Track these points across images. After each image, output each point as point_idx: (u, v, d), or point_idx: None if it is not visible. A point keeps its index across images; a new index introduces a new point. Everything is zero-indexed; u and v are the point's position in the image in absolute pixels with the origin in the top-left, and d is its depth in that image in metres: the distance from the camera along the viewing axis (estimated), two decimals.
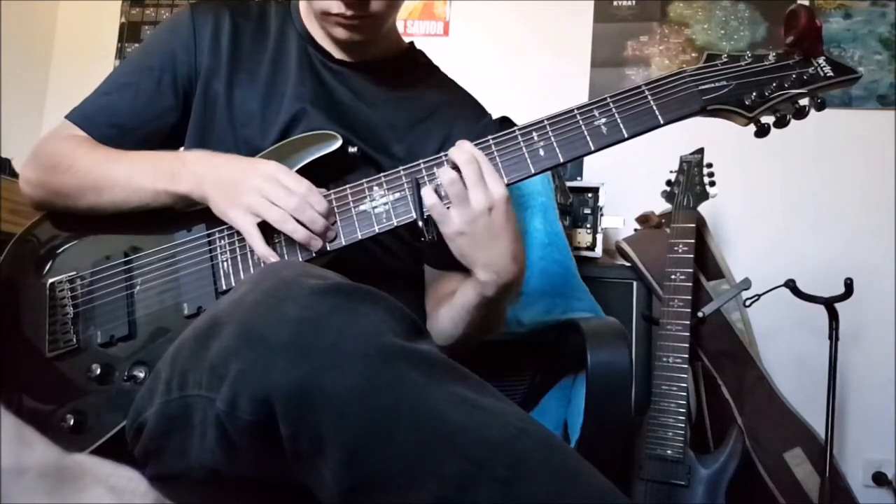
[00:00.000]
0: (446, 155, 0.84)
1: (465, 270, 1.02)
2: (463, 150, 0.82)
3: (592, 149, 0.84)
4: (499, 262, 0.84)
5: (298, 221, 0.81)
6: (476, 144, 0.84)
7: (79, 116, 0.98)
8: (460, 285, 0.93)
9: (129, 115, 0.97)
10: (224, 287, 0.85)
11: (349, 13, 0.90)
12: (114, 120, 0.97)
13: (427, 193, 0.83)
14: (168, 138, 0.99)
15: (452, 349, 0.97)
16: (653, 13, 2.32)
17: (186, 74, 0.98)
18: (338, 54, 1.02)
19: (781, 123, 0.87)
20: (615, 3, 2.35)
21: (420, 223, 0.83)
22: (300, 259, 0.84)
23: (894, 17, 2.16)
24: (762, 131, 0.88)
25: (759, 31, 2.23)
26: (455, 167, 0.81)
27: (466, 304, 0.91)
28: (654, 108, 0.84)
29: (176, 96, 0.98)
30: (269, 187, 0.81)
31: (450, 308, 0.95)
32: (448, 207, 0.82)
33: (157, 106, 0.98)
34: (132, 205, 0.89)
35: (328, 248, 0.84)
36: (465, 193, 0.81)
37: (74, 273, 0.90)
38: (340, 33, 0.94)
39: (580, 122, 0.84)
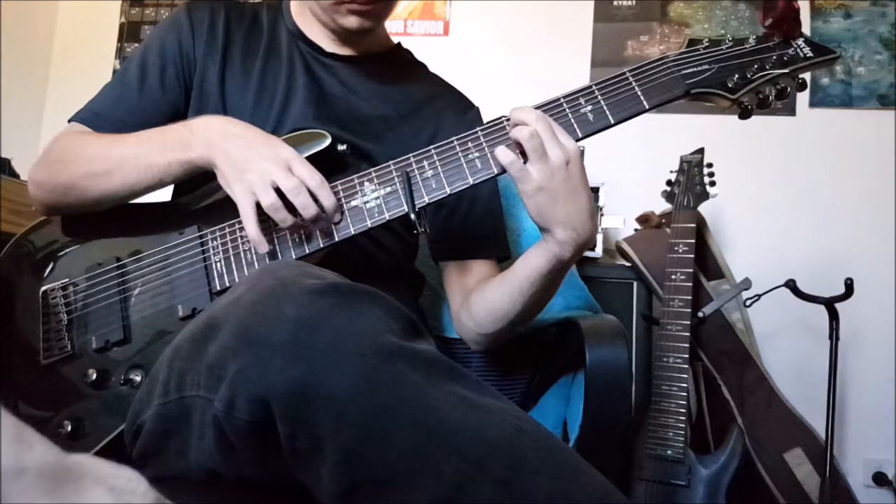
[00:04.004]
0: (507, 118, 0.84)
1: (483, 255, 1.03)
2: (529, 110, 0.82)
3: (580, 136, 0.84)
4: (577, 218, 0.82)
5: (298, 215, 0.80)
6: (462, 137, 0.85)
7: (85, 115, 0.98)
8: (521, 259, 0.91)
9: (135, 111, 0.97)
10: (218, 287, 0.85)
11: None
12: (120, 116, 0.97)
13: (502, 152, 0.81)
14: None
15: (505, 331, 0.96)
16: (653, 13, 2.32)
17: (187, 69, 0.99)
18: (329, 48, 1.03)
19: (764, 105, 0.89)
20: (615, 2, 2.35)
21: (412, 216, 0.82)
22: (292, 253, 0.84)
23: (894, 17, 2.16)
24: (745, 113, 0.89)
25: (759, 31, 2.23)
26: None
27: (531, 273, 0.88)
28: (639, 93, 0.85)
29: (180, 90, 0.99)
30: (276, 171, 0.79)
31: (503, 285, 0.93)
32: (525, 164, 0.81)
33: (163, 101, 0.98)
34: (145, 183, 0.87)
35: (321, 245, 0.84)
36: (543, 148, 0.80)
37: (67, 280, 0.89)
38: (352, 21, 0.95)
39: (567, 110, 0.85)
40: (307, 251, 0.84)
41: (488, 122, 0.86)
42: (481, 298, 0.96)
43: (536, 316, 0.98)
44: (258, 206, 0.80)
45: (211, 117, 0.88)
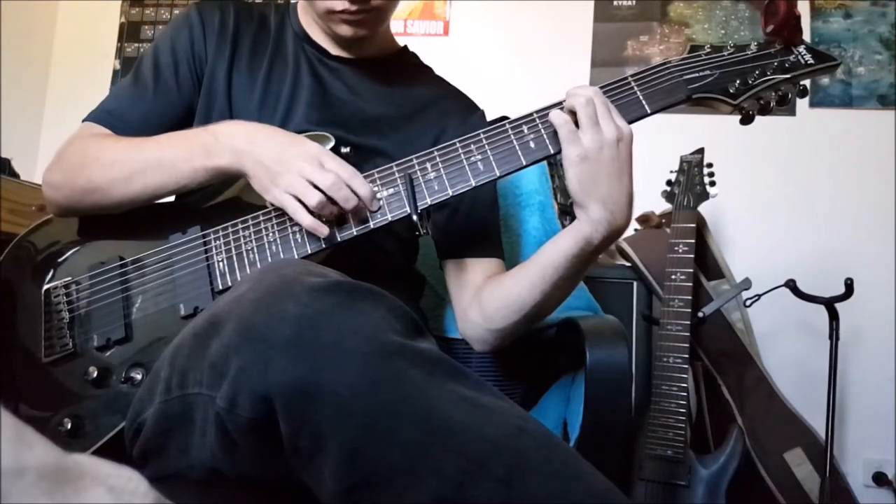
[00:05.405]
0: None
1: (488, 253, 1.03)
2: (587, 88, 0.83)
3: None
4: (617, 199, 0.82)
5: (334, 203, 0.80)
6: (465, 139, 0.85)
7: (100, 114, 0.98)
8: (548, 244, 0.90)
9: (151, 110, 0.97)
10: (220, 287, 0.85)
11: (353, 8, 0.92)
12: (136, 116, 0.96)
13: (555, 114, 0.82)
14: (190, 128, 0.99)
15: (518, 326, 0.95)
16: (653, 13, 2.32)
17: (199, 67, 1.00)
18: (334, 51, 1.03)
19: (765, 111, 0.89)
20: (615, 3, 2.35)
21: (414, 217, 0.83)
22: (295, 254, 0.84)
23: (894, 17, 2.16)
24: (747, 118, 0.90)
25: (759, 31, 2.23)
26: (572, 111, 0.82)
27: (557, 257, 0.87)
28: (641, 98, 0.86)
29: (194, 89, 0.99)
30: (310, 169, 0.80)
31: (523, 272, 0.92)
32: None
33: (178, 101, 0.98)
34: (167, 188, 0.87)
35: (323, 245, 0.84)
36: (597, 118, 0.80)
37: (70, 278, 0.89)
38: (345, 30, 0.96)
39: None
40: (309, 251, 0.84)
41: (491, 124, 0.87)
42: (496, 290, 0.96)
43: (553, 311, 0.96)
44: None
45: (233, 123, 0.88)
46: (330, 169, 0.80)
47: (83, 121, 0.98)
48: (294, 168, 0.80)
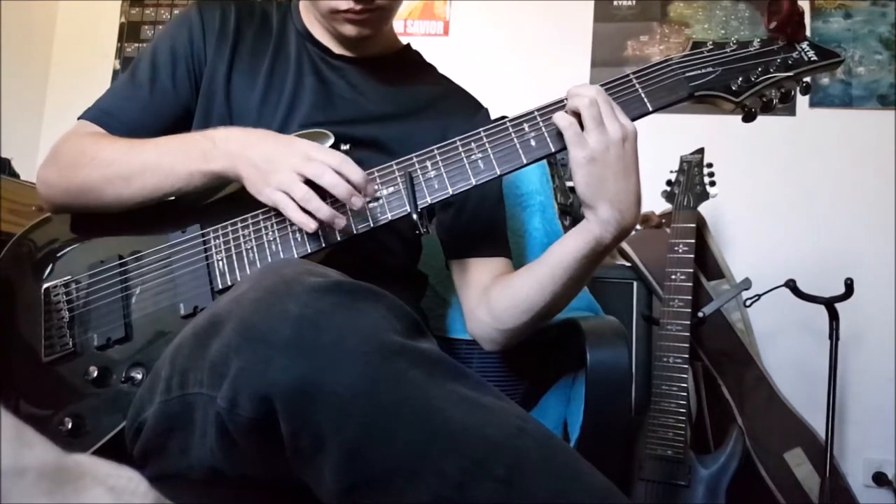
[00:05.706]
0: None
1: (496, 252, 1.03)
2: (589, 86, 0.82)
3: None
4: (624, 199, 0.82)
5: (333, 202, 0.80)
6: (465, 137, 0.85)
7: (96, 112, 0.97)
8: (557, 244, 0.90)
9: (147, 110, 0.97)
10: (220, 286, 0.85)
11: (358, 7, 0.92)
12: (131, 115, 0.96)
13: (560, 116, 0.82)
14: (186, 128, 0.99)
15: (528, 325, 0.94)
16: (653, 13, 2.32)
17: (198, 67, 0.99)
18: (337, 50, 1.03)
19: (768, 108, 0.88)
20: (615, 3, 2.35)
21: (414, 216, 0.83)
22: (295, 254, 0.84)
23: (894, 17, 2.16)
24: (749, 116, 0.89)
25: (759, 31, 2.23)
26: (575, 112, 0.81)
27: (566, 257, 0.87)
28: (643, 95, 0.85)
29: (191, 89, 0.99)
30: (299, 163, 0.80)
31: (532, 273, 0.92)
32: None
33: (175, 101, 0.98)
34: (163, 191, 0.87)
35: (323, 244, 0.84)
36: (601, 118, 0.80)
37: (69, 277, 0.89)
38: (349, 30, 0.96)
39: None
40: (309, 250, 0.84)
41: (491, 123, 0.86)
42: (505, 290, 0.95)
43: (562, 310, 0.96)
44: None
45: (230, 128, 0.88)
46: (317, 159, 0.80)
47: (78, 118, 0.98)
48: (284, 165, 0.80)
